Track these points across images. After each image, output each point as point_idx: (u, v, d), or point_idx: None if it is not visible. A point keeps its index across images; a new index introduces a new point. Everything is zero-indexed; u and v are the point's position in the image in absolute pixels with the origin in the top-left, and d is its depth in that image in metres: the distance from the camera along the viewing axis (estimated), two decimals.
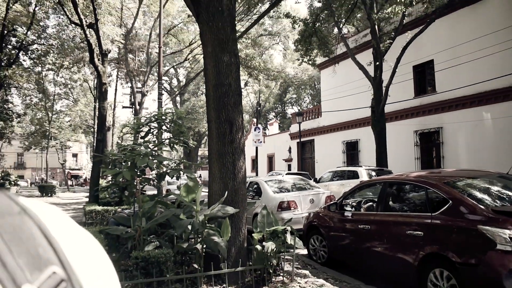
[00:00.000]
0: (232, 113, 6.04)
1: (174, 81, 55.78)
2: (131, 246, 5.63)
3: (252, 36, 32.75)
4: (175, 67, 47.43)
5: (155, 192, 11.92)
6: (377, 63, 17.63)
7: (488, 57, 16.21)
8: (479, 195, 5.17)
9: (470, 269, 4.57)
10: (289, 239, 5.94)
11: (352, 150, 25.83)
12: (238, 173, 6.02)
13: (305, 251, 8.29)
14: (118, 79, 35.79)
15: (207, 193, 6.37)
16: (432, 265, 5.10)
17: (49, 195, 29.52)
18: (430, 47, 19.40)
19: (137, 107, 27.09)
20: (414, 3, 16.09)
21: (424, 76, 20.91)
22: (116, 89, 36.90)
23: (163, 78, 28.67)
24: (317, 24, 20.76)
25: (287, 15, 20.88)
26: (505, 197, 5.27)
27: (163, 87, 22.36)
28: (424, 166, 20.17)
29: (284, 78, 46.41)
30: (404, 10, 16.69)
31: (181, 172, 7.14)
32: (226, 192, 5.81)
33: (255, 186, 11.42)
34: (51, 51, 24.96)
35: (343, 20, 21.08)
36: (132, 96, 28.29)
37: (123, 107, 31.07)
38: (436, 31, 18.44)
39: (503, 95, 16.38)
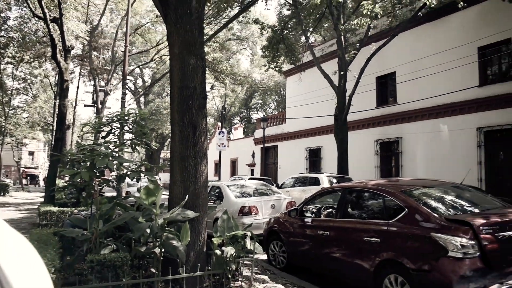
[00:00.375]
0: (196, 116, 6.00)
1: (139, 81, 54.92)
2: (87, 249, 5.48)
3: (220, 40, 32.72)
4: (140, 67, 46.72)
5: (115, 194, 11.67)
6: (342, 72, 18.00)
7: (446, 71, 16.85)
8: (433, 203, 5.35)
9: (423, 275, 4.73)
10: (248, 244, 5.94)
11: (314, 157, 26.18)
12: (199, 176, 5.98)
13: (265, 256, 8.32)
14: (81, 76, 34.86)
15: (167, 196, 6.29)
16: (388, 271, 5.23)
17: (2, 194, 28.34)
18: (393, 59, 19.98)
19: (99, 106, 26.49)
20: (379, 17, 16.53)
21: (386, 87, 21.49)
22: (78, 87, 36.08)
23: (128, 77, 28.12)
24: (285, 32, 21.00)
25: (256, 21, 21.02)
26: (458, 206, 5.48)
27: (127, 86, 22.01)
28: (384, 174, 20.70)
29: (251, 83, 46.58)
30: (369, 23, 17.12)
31: (142, 175, 7.02)
32: (187, 196, 5.75)
33: (217, 190, 11.38)
34: (11, 44, 24.04)
35: (311, 29, 21.40)
36: (95, 95, 27.65)
37: (85, 105, 30.29)
38: (399, 44, 19.00)
39: (459, 108, 17.06)
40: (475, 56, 16.63)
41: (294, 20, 20.51)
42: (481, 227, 4.55)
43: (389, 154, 21.00)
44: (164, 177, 41.11)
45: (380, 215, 5.75)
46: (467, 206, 5.48)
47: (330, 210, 7.22)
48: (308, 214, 7.40)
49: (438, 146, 17.81)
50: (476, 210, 5.36)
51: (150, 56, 34.07)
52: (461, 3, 15.23)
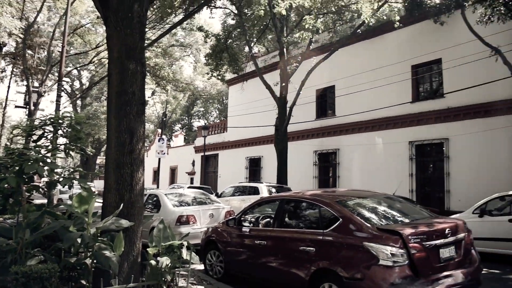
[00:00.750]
0: (134, 122, 5.84)
1: (76, 83, 52.74)
2: (11, 260, 5.13)
3: (163, 46, 32.25)
4: (78, 68, 44.79)
5: (45, 201, 11.07)
6: (283, 84, 18.33)
7: (383, 87, 17.60)
8: (366, 214, 5.56)
9: (356, 283, 4.88)
10: (185, 254, 5.84)
11: (255, 166, 26.36)
12: (135, 185, 5.81)
13: (202, 267, 8.20)
14: (13, 75, 32.91)
15: (102, 205, 6.06)
16: (322, 280, 5.33)
17: None
18: (333, 73, 20.61)
19: (32, 107, 25.11)
20: (320, 31, 17.06)
21: (326, 100, 22.15)
22: (9, 86, 33.85)
23: (64, 79, 26.97)
24: (229, 41, 21.09)
25: (200, 29, 20.97)
26: (389, 216, 5.72)
27: (63, 88, 21.06)
28: (321, 184, 21.23)
29: (193, 90, 46.21)
30: (311, 37, 17.60)
31: (75, 181, 6.70)
32: (122, 204, 5.57)
33: (155, 198, 11.13)
34: None
35: (255, 39, 21.64)
36: (27, 96, 26.19)
37: (16, 106, 28.55)
38: (339, 59, 19.65)
39: (393, 122, 17.92)
40: (409, 73, 17.59)
41: (239, 30, 20.68)
42: (410, 237, 4.78)
43: (327, 165, 21.59)
44: (99, 184, 39.61)
45: (316, 225, 5.88)
46: (397, 216, 5.72)
47: (268, 219, 7.28)
48: (246, 224, 7.42)
49: (373, 158, 18.55)
50: (406, 220, 5.61)
51: (89, 58, 32.83)
52: (397, 23, 16.08)
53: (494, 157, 14.50)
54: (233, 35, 21.47)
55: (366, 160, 18.90)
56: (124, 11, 5.88)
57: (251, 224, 7.37)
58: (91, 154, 42.74)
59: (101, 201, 6.08)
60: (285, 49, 18.50)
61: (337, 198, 6.02)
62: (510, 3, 12.19)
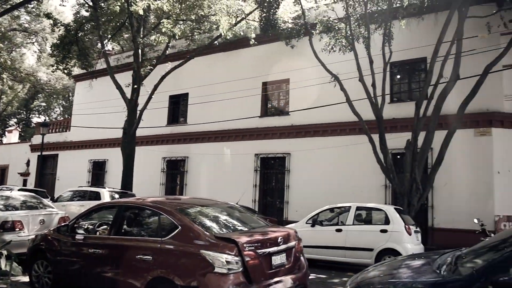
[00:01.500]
0: None
1: None
2: None
3: (2, 28, 28.71)
4: None
5: None
6: (135, 86, 17.69)
7: (235, 99, 18.10)
8: (206, 222, 5.59)
9: None
10: (3, 264, 5.09)
11: (99, 170, 24.85)
12: None
13: (27, 278, 7.29)
14: None
15: None
16: None
17: None
18: (188, 81, 20.59)
19: None
20: (177, 37, 16.91)
21: (178, 107, 22.01)
22: None
23: None
24: (80, 33, 19.62)
25: (48, 15, 19.07)
26: (228, 224, 5.84)
27: None
28: (169, 192, 20.93)
29: (34, 82, 41.81)
30: (167, 41, 17.35)
31: None
32: None
33: None
34: None
35: (109, 36, 20.55)
36: None
37: None
38: (194, 68, 19.74)
39: (242, 134, 18.62)
40: (259, 89, 18.50)
41: (92, 23, 19.31)
42: (245, 245, 4.93)
43: (175, 172, 21.39)
44: None
45: (155, 233, 5.72)
46: (236, 225, 5.87)
47: (105, 226, 6.80)
48: (81, 231, 6.80)
49: (221, 167, 18.95)
50: (244, 229, 5.78)
51: None
52: (253, 40, 16.83)
53: (328, 172, 16.00)
54: (85, 28, 19.99)
55: (214, 169, 19.21)
56: None
57: (86, 232, 6.80)
58: None
59: None
60: (140, 50, 17.88)
61: (178, 206, 5.94)
62: (350, 37, 13.72)
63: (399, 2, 13.69)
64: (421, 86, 13.62)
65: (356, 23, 14.24)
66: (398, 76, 16.35)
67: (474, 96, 11.73)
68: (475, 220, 9.96)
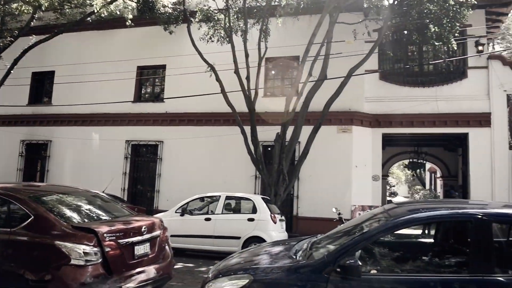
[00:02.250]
0: None
1: None
2: None
3: None
4: None
5: None
6: None
7: (107, 82, 16.93)
8: (64, 211, 5.22)
9: (44, 286, 4.53)
10: None
11: None
12: None
13: None
14: None
15: None
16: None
17: None
18: (55, 58, 18.84)
19: None
20: (43, 9, 15.42)
21: (43, 85, 20.08)
22: None
23: None
24: None
25: None
26: (89, 213, 5.51)
27: None
28: (27, 178, 19.02)
29: None
30: (32, 12, 15.72)
31: None
32: None
33: None
34: None
35: None
36: None
37: None
38: (64, 44, 18.22)
39: (112, 119, 17.71)
40: (134, 73, 17.78)
41: None
42: (105, 234, 4.71)
43: (36, 157, 19.55)
44: None
45: (4, 222, 5.10)
46: (97, 214, 5.56)
47: None
48: None
49: (89, 153, 17.77)
50: (106, 218, 5.51)
51: None
52: (129, 21, 16.05)
53: (201, 161, 16.06)
54: None
55: (80, 155, 17.93)
56: None
57: None
58: None
59: None
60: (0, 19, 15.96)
61: (32, 193, 5.44)
62: (229, 29, 13.89)
63: (277, 0, 14.24)
64: (293, 82, 14.36)
65: (235, 16, 14.47)
66: (273, 72, 17.03)
67: (338, 96, 12.75)
68: (334, 209, 10.96)
